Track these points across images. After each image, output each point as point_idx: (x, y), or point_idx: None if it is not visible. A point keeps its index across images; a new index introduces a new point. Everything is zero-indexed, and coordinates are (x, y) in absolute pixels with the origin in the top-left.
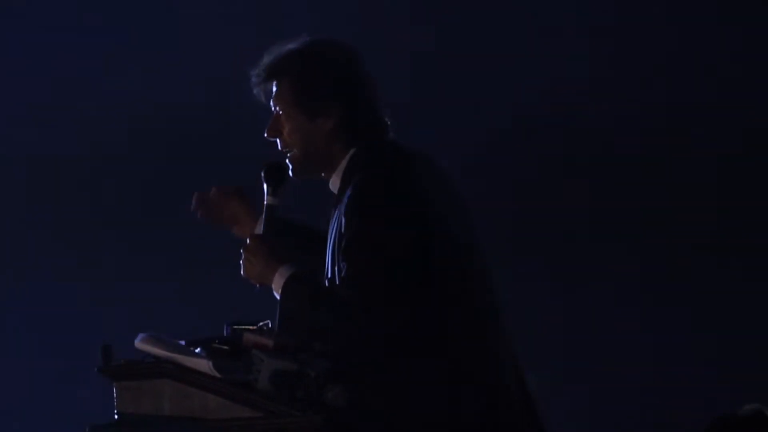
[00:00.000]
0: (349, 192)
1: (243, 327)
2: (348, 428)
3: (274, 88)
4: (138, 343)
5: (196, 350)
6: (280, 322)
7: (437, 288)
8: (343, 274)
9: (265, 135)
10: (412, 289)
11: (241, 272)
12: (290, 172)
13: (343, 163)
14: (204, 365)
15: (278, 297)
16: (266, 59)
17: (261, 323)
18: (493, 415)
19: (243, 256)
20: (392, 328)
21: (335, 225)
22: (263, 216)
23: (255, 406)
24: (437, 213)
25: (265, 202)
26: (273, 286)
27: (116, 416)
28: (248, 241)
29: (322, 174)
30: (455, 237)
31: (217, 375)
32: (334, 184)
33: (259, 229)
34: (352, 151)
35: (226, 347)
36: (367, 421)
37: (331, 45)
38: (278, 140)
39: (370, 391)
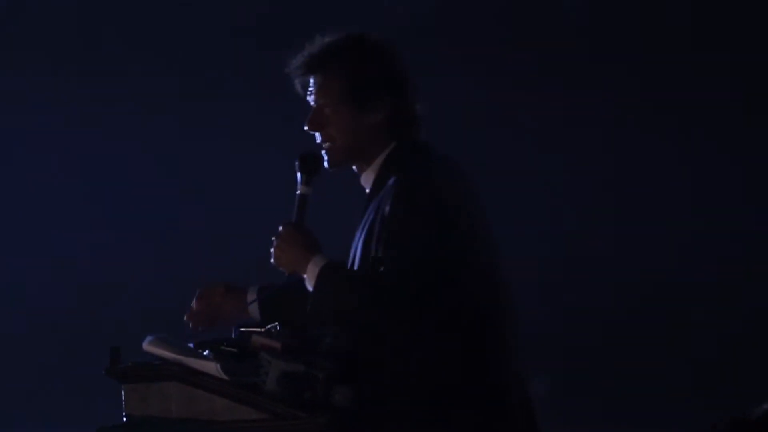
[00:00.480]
0: (394, 185)
1: (251, 329)
2: (355, 429)
3: (317, 81)
4: (146, 345)
5: (204, 352)
6: (312, 311)
7: (467, 288)
8: (384, 262)
9: (306, 128)
10: (446, 286)
11: (272, 260)
12: (325, 164)
13: (381, 158)
14: (211, 367)
15: (309, 286)
16: (310, 52)
17: (269, 325)
18: (498, 417)
19: (275, 244)
20: (420, 321)
21: (370, 217)
22: (296, 204)
23: (262, 408)
24: (475, 215)
25: (297, 192)
26: (306, 274)
27: (124, 418)
28: (281, 228)
29: (354, 167)
30: (487, 239)
31: (225, 377)
32: (367, 177)
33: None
34: (392, 146)
35: (233, 349)
36: (377, 418)
37: (377, 40)
38: (317, 133)
39: (382, 387)
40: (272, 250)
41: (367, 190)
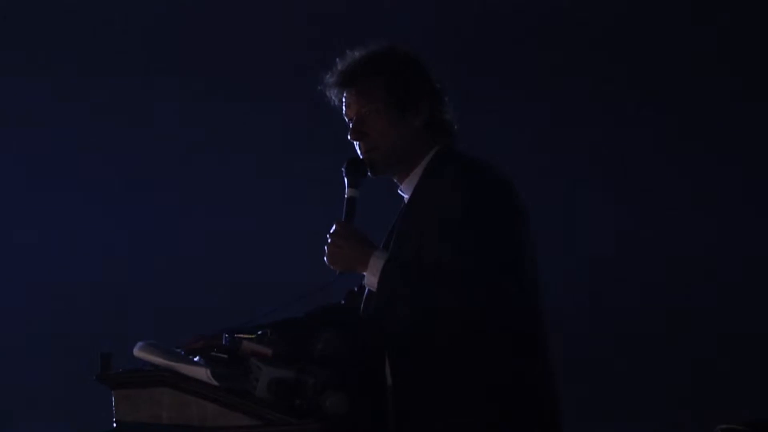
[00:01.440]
0: (446, 184)
1: (242, 335)
2: None
3: (357, 90)
4: (136, 351)
5: (195, 358)
6: (380, 305)
7: (521, 285)
8: (450, 253)
9: (349, 137)
10: (508, 279)
11: (325, 258)
12: (369, 171)
13: (423, 163)
14: (202, 373)
15: (370, 281)
16: (346, 65)
17: (260, 331)
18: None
19: (330, 242)
20: (487, 311)
21: (410, 220)
22: (344, 207)
23: (253, 415)
24: (525, 217)
25: (345, 195)
26: (367, 269)
27: (114, 424)
28: (335, 226)
29: (395, 178)
30: (533, 241)
31: (215, 383)
32: (409, 183)
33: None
34: (434, 150)
35: (224, 355)
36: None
37: (409, 50)
38: (360, 142)
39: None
40: (326, 248)
41: (406, 197)
